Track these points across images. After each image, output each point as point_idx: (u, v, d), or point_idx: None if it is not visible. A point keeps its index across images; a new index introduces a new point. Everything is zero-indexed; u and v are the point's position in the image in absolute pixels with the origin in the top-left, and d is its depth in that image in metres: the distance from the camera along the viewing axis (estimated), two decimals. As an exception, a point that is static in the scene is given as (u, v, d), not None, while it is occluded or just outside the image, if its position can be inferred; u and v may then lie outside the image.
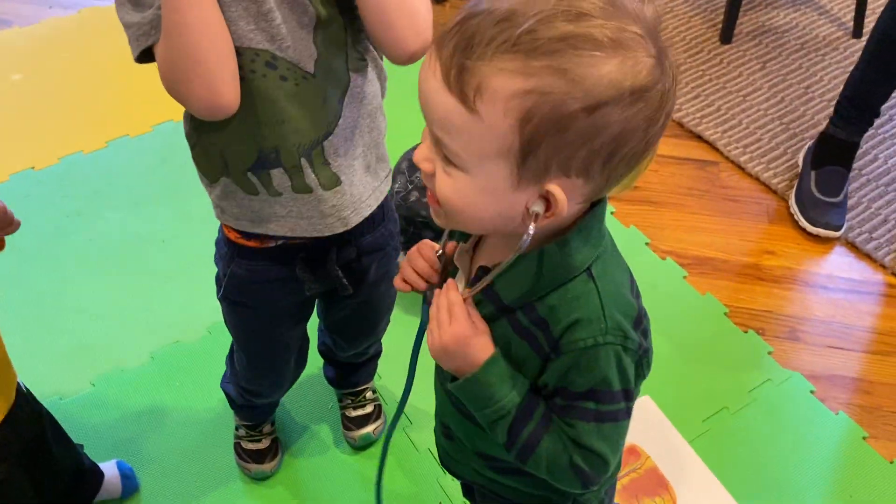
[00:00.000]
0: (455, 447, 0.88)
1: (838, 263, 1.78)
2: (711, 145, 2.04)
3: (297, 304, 1.14)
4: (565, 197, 0.59)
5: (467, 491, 1.00)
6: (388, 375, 1.54)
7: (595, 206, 0.66)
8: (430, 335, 0.70)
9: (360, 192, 1.00)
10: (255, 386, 1.29)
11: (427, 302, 0.78)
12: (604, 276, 0.66)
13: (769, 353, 1.60)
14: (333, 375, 1.44)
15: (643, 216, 1.88)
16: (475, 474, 0.88)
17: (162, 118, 2.06)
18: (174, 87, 0.83)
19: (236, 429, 1.42)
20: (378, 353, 1.42)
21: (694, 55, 2.28)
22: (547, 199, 0.60)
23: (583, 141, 0.56)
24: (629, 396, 0.69)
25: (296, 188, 0.94)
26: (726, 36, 2.31)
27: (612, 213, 1.89)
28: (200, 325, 1.61)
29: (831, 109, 1.91)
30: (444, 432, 0.89)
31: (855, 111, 1.83)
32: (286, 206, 0.95)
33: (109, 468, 1.35)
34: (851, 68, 1.85)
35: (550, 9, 0.54)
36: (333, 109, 0.91)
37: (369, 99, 0.96)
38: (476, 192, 0.60)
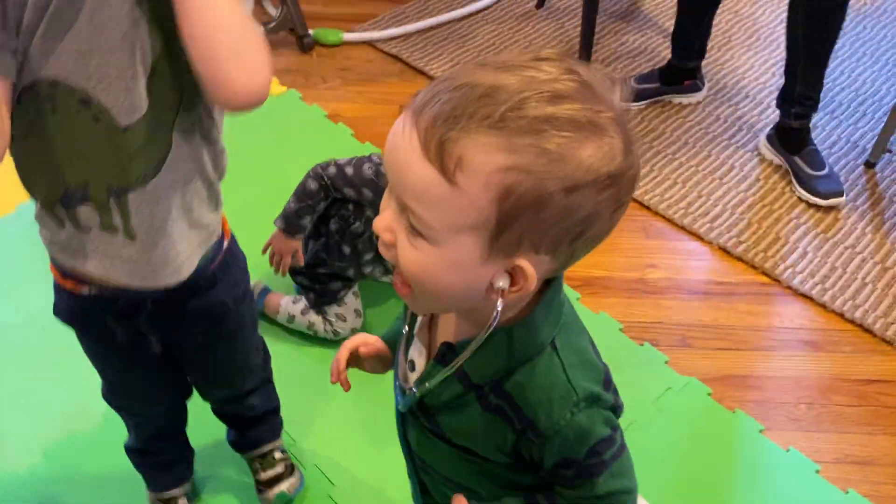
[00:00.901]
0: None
1: (715, 269, 1.90)
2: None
3: (127, 348, 1.09)
4: (535, 273, 0.60)
5: None
6: (299, 434, 1.51)
7: (553, 281, 0.68)
8: None
9: (164, 258, 0.96)
10: (124, 402, 1.24)
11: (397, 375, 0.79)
12: (567, 346, 0.68)
13: (666, 362, 1.68)
14: (235, 438, 1.41)
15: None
16: None
17: (25, 196, 1.94)
18: None
19: None
20: (273, 410, 1.38)
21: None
22: (511, 274, 0.61)
23: (557, 220, 0.57)
24: (618, 429, 0.71)
25: (104, 226, 0.91)
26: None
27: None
28: (95, 412, 1.51)
29: (688, 124, 2.07)
30: (420, 488, 0.88)
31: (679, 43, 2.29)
32: (95, 243, 0.93)
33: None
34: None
35: (532, 89, 0.55)
36: (140, 167, 0.88)
37: (195, 168, 0.94)
38: (443, 265, 0.60)
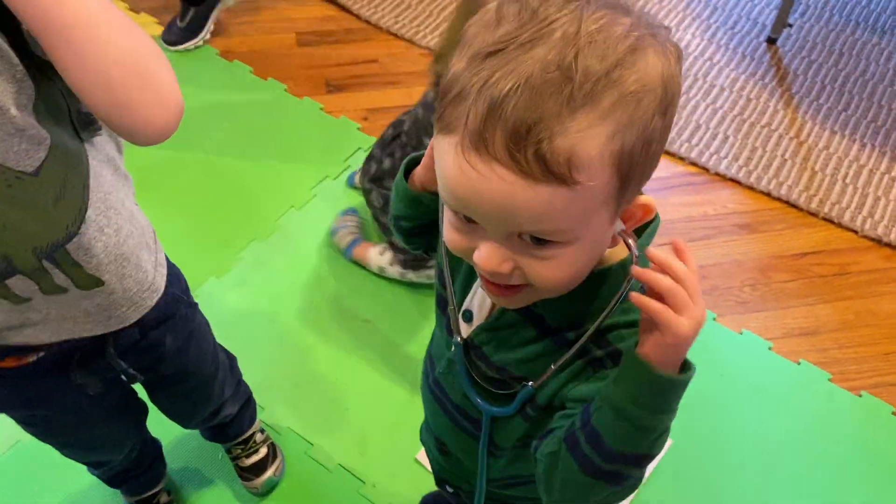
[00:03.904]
0: (451, 462, 0.84)
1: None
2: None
3: (95, 398, 0.96)
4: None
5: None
6: (272, 405, 1.45)
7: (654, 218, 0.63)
8: (683, 308, 0.53)
9: (138, 282, 0.84)
10: (101, 456, 1.13)
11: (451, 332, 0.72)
12: None
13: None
14: (211, 435, 1.31)
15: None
16: (471, 486, 0.84)
17: None
18: None
19: None
20: (246, 399, 1.28)
21: None
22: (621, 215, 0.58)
23: (662, 142, 0.55)
24: None
25: (45, 290, 0.77)
26: None
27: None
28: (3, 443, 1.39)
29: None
30: (438, 447, 0.84)
31: None
32: (40, 311, 0.79)
33: None
34: None
35: (569, 48, 0.49)
36: (74, 206, 0.73)
37: (115, 165, 0.81)
38: (584, 253, 0.56)
